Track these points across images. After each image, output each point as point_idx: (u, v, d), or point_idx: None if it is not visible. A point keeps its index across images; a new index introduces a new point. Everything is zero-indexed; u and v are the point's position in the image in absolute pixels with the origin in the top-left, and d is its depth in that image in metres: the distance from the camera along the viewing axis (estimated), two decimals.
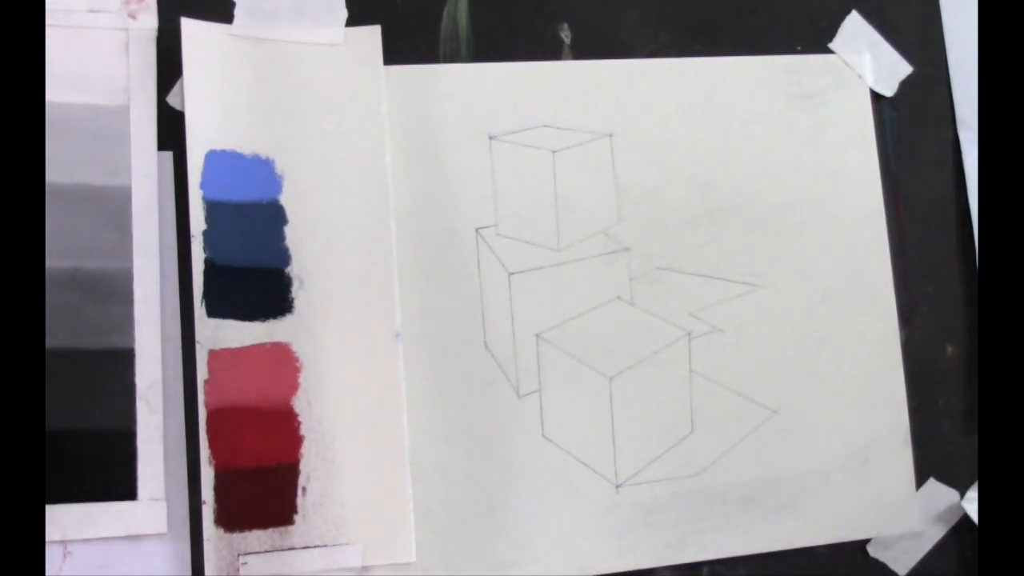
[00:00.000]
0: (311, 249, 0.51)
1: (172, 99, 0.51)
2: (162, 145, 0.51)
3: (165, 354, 0.49)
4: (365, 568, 0.50)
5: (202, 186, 0.50)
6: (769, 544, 0.55)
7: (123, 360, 0.48)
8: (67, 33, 0.50)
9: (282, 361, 0.50)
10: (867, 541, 0.56)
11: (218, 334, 0.49)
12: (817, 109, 0.59)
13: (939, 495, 0.57)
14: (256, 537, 0.49)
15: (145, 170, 0.50)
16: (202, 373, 0.49)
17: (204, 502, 0.48)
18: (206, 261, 0.50)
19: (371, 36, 0.54)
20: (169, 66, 0.51)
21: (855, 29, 0.60)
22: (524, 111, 0.55)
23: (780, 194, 0.58)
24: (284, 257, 0.51)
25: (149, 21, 0.51)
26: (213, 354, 0.49)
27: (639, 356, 0.55)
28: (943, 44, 0.61)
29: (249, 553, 0.48)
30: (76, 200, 0.49)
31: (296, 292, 0.51)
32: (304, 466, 0.50)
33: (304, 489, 0.49)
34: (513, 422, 0.53)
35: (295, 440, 0.50)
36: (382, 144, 0.53)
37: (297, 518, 0.49)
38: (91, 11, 0.51)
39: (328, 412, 0.50)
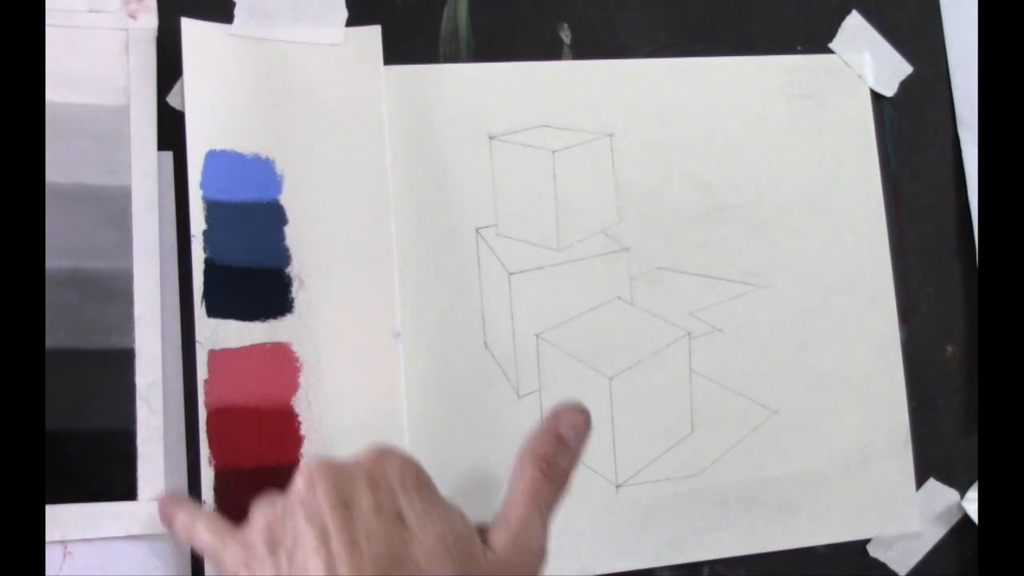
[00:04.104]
0: (311, 249, 0.51)
1: (172, 99, 0.51)
2: (162, 145, 0.50)
3: (165, 354, 0.49)
4: None
5: (202, 186, 0.50)
6: (769, 544, 0.55)
7: (123, 360, 0.48)
8: (67, 33, 0.50)
9: (282, 361, 0.50)
10: (867, 541, 0.56)
11: (218, 334, 0.49)
12: (817, 109, 0.59)
13: (939, 495, 0.57)
14: None
15: (145, 170, 0.50)
16: (202, 373, 0.49)
17: (204, 502, 0.48)
18: (206, 261, 0.50)
19: (371, 36, 0.54)
20: (169, 66, 0.51)
21: (855, 29, 0.60)
22: (524, 111, 0.55)
23: (780, 194, 0.58)
24: (284, 257, 0.51)
25: (149, 21, 0.51)
26: (213, 354, 0.49)
27: (639, 356, 0.55)
28: (943, 44, 0.61)
29: None
30: (76, 200, 0.49)
31: (296, 292, 0.51)
32: None
33: None
34: (513, 422, 0.53)
35: (295, 440, 0.50)
36: (382, 144, 0.53)
37: None
38: (91, 11, 0.50)
39: (328, 412, 0.50)
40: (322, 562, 0.37)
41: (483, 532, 0.41)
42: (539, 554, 0.41)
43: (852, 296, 0.58)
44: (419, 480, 0.41)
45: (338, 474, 0.40)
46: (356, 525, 0.38)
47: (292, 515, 0.39)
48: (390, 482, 0.40)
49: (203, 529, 0.44)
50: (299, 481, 0.40)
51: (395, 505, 0.39)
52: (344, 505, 0.39)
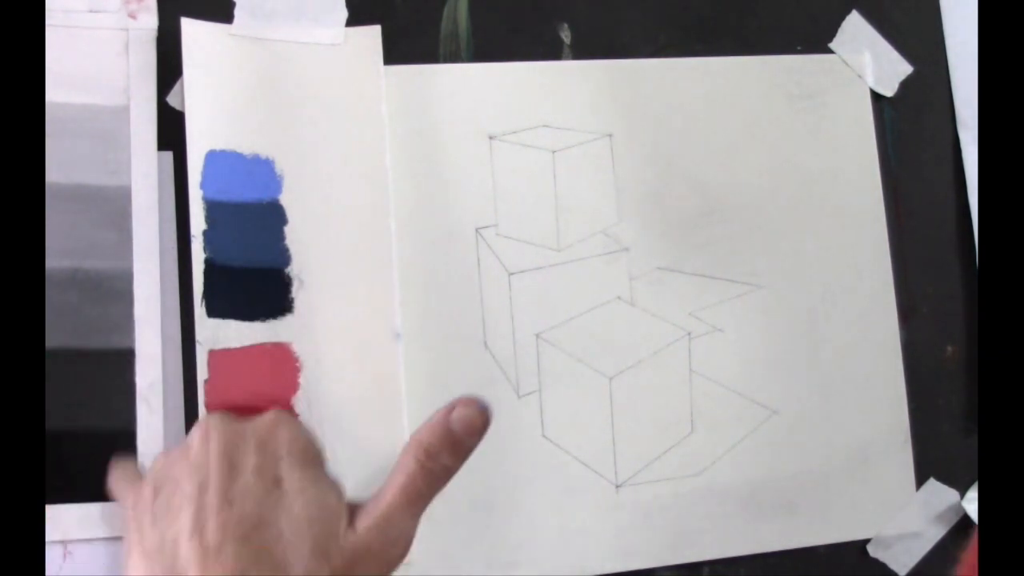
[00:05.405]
0: (311, 249, 0.51)
1: (172, 99, 0.51)
2: (162, 145, 0.51)
3: (165, 354, 0.49)
4: None
5: (202, 186, 0.50)
6: (769, 544, 0.55)
7: (123, 360, 0.48)
8: (67, 33, 0.50)
9: (282, 361, 0.50)
10: (867, 541, 0.56)
11: (218, 334, 0.49)
12: (817, 109, 0.59)
13: (939, 495, 0.57)
14: None
15: (145, 170, 0.50)
16: (202, 373, 0.49)
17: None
18: (206, 261, 0.50)
19: (371, 36, 0.54)
20: (169, 66, 0.51)
21: (855, 29, 0.60)
22: (524, 111, 0.55)
23: (780, 194, 0.58)
24: (284, 257, 0.51)
25: (149, 21, 0.51)
26: (213, 354, 0.49)
27: (639, 356, 0.55)
28: (943, 44, 0.61)
29: None
30: (76, 200, 0.49)
31: (296, 292, 0.51)
32: None
33: None
34: (513, 422, 0.53)
35: None
36: (382, 144, 0.53)
37: None
38: (91, 11, 0.51)
39: (328, 412, 0.50)
40: (192, 513, 0.39)
41: (357, 511, 0.41)
42: (400, 545, 0.41)
43: (852, 296, 0.58)
44: (306, 452, 0.42)
45: (231, 433, 0.41)
46: (234, 484, 0.40)
47: (180, 465, 0.41)
48: (278, 449, 0.41)
49: (116, 478, 0.45)
50: (195, 434, 0.42)
51: (276, 471, 0.41)
52: (229, 463, 0.40)
